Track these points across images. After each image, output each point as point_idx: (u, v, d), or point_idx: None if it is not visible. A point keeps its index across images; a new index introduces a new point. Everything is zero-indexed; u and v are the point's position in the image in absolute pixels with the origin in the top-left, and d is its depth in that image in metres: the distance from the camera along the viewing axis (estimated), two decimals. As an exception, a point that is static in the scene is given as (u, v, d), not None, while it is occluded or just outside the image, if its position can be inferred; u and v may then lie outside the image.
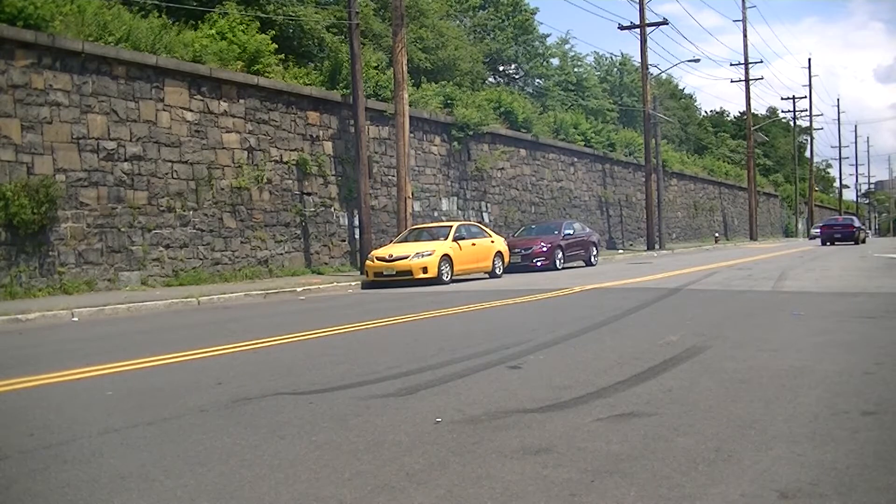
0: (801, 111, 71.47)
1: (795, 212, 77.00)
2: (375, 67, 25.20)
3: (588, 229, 27.72)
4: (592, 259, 26.13)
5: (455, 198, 28.18)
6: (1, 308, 12.46)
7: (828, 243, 39.68)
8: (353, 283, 18.62)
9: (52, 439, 4.62)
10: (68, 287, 15.56)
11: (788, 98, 68.88)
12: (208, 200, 18.94)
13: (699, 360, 6.64)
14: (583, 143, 37.88)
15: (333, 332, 9.42)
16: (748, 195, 57.94)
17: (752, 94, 57.21)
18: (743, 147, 65.39)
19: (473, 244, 20.52)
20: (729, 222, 60.83)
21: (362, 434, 4.52)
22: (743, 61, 54.01)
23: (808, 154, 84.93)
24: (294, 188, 21.51)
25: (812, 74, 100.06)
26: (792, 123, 74.61)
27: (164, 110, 18.06)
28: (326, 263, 22.29)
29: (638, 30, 38.41)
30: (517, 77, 50.58)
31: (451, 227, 20.72)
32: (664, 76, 59.03)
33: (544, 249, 23.51)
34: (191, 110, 18.73)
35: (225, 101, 19.62)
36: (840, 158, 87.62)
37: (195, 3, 22.17)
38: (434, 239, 20.11)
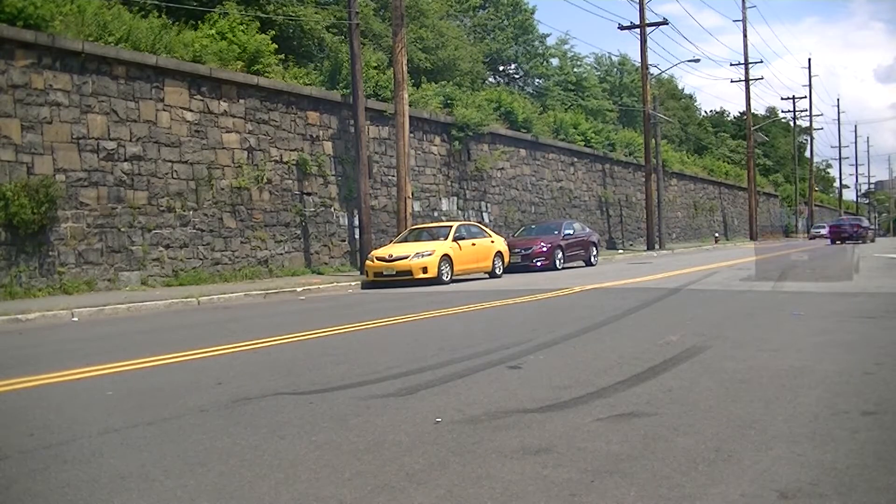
0: (801, 111, 71.50)
1: (795, 212, 76.98)
2: (375, 67, 25.19)
3: (588, 229, 27.72)
4: (592, 259, 26.12)
5: (455, 198, 28.18)
6: (1, 308, 12.46)
7: (837, 242, 43.93)
8: (353, 283, 18.61)
9: (52, 439, 4.62)
10: (68, 287, 15.56)
11: (788, 98, 68.93)
12: (208, 200, 18.94)
13: (699, 360, 6.64)
14: (583, 143, 37.88)
15: (333, 332, 9.42)
16: (748, 195, 57.94)
17: (752, 94, 57.26)
18: (743, 147, 65.39)
19: (473, 244, 20.52)
20: (729, 222, 60.83)
21: (362, 434, 4.52)
22: (743, 61, 54.02)
23: (808, 154, 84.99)
24: (294, 188, 21.51)
25: (812, 74, 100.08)
26: (792, 123, 74.61)
27: (164, 110, 18.06)
28: (326, 263, 22.29)
29: (638, 30, 38.41)
30: (517, 77, 50.60)
31: (451, 227, 20.72)
32: (664, 76, 59.05)
33: (544, 249, 23.50)
34: (191, 110, 18.73)
35: (225, 101, 19.62)
36: (840, 158, 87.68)
37: (195, 3, 22.17)
38: (434, 239, 20.11)
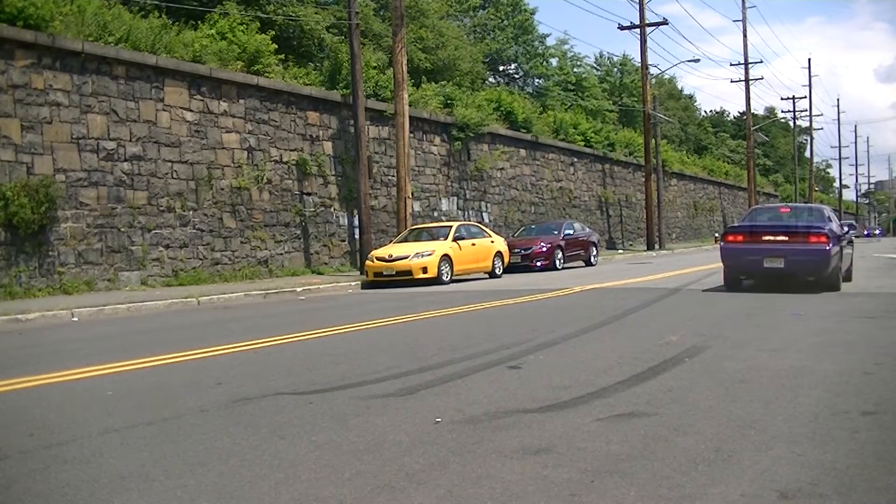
0: (801, 111, 71.46)
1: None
2: (375, 67, 25.19)
3: (588, 229, 27.72)
4: (592, 259, 26.13)
5: (455, 198, 28.18)
6: (1, 308, 12.46)
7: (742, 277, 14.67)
8: (352, 283, 18.61)
9: (52, 439, 4.62)
10: (68, 287, 15.55)
11: (788, 98, 68.81)
12: (208, 200, 18.94)
13: (699, 360, 6.64)
14: (583, 143, 37.87)
15: (333, 332, 9.42)
16: (748, 195, 57.90)
17: (752, 94, 57.27)
18: (743, 147, 65.38)
19: (473, 244, 20.52)
20: (729, 222, 60.75)
21: (362, 434, 4.52)
22: (743, 61, 54.01)
23: (808, 154, 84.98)
24: (294, 188, 21.50)
25: (812, 74, 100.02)
26: (792, 123, 74.60)
27: (163, 110, 18.06)
28: (326, 263, 22.29)
29: (638, 30, 38.41)
30: (517, 77, 50.61)
31: (451, 227, 20.72)
32: (664, 76, 59.07)
33: (544, 249, 23.51)
34: (191, 110, 18.73)
35: (225, 101, 19.62)
36: (840, 158, 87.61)
37: (195, 3, 22.17)
38: (434, 239, 20.11)
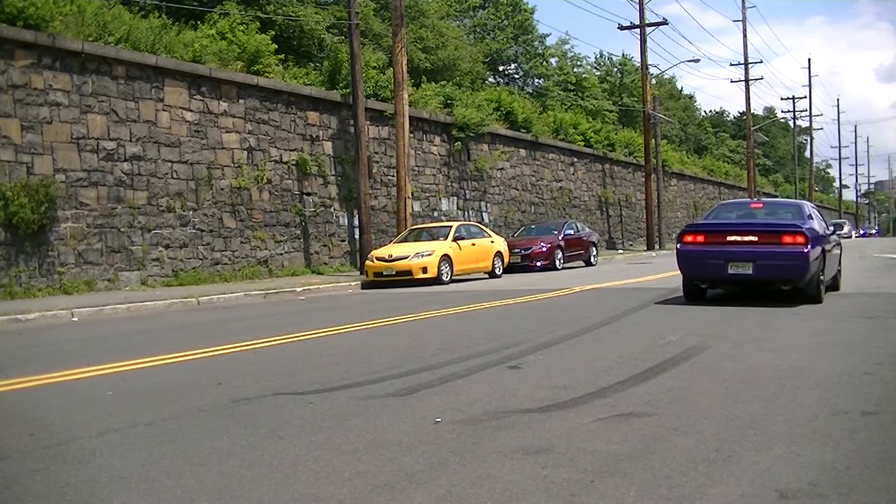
0: (801, 111, 71.48)
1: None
2: (375, 67, 25.19)
3: (588, 229, 27.73)
4: (592, 259, 26.13)
5: (455, 198, 28.18)
6: (1, 308, 12.46)
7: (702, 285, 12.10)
8: (352, 283, 18.61)
9: (52, 439, 4.62)
10: (68, 287, 15.55)
11: (788, 98, 68.84)
12: (208, 200, 18.94)
13: (699, 360, 6.64)
14: (582, 143, 37.88)
15: (333, 332, 9.42)
16: (748, 195, 57.89)
17: (752, 94, 57.30)
18: (743, 147, 65.40)
19: (473, 244, 20.52)
20: (729, 222, 60.71)
21: (362, 434, 4.52)
22: (743, 61, 54.02)
23: (807, 154, 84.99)
24: (294, 188, 21.50)
25: (812, 74, 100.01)
26: (792, 123, 74.61)
27: (163, 110, 18.06)
28: (326, 263, 22.29)
29: (638, 30, 38.41)
30: (517, 77, 50.62)
31: (451, 227, 20.72)
32: (664, 76, 59.07)
33: (544, 250, 23.51)
34: (190, 110, 18.73)
35: (225, 101, 19.62)
36: (840, 158, 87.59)
37: (195, 3, 22.17)
38: (434, 239, 20.12)
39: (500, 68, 49.41)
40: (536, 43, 49.43)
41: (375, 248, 20.66)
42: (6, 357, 8.39)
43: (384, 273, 18.70)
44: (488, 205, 30.10)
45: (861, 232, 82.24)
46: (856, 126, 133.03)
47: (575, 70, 53.05)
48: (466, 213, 28.51)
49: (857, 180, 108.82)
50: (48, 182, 15.38)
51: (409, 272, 18.46)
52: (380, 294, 16.62)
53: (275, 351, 8.02)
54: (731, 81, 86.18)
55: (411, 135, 23.82)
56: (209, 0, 24.03)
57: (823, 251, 10.90)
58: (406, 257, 18.69)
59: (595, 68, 59.86)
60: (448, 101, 28.04)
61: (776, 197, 73.20)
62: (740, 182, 61.65)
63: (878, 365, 6.25)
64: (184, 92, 18.55)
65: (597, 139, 39.38)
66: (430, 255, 18.79)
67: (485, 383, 5.91)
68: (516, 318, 10.86)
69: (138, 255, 17.20)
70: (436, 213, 26.85)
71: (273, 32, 23.35)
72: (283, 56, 22.99)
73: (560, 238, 24.42)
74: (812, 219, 11.44)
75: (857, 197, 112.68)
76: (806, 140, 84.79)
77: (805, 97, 73.88)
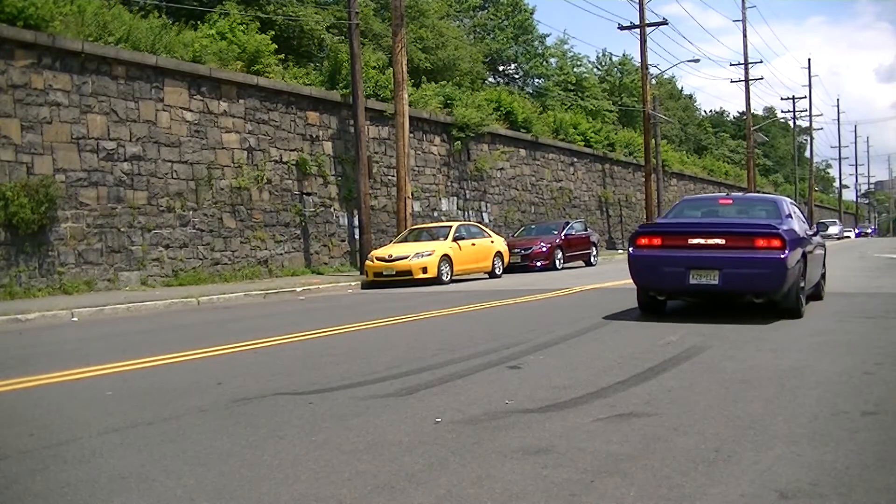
0: (801, 111, 71.46)
1: (797, 212, 76.99)
2: (375, 67, 25.20)
3: (588, 229, 27.73)
4: (592, 259, 26.13)
5: (455, 198, 28.18)
6: (1, 308, 12.46)
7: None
8: (352, 283, 18.61)
9: (52, 439, 4.62)
10: (68, 287, 15.55)
11: (788, 98, 68.83)
12: (208, 200, 18.94)
13: (699, 360, 6.64)
14: (582, 143, 37.89)
15: (333, 332, 9.42)
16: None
17: (752, 94, 57.29)
18: (743, 147, 65.40)
19: (473, 244, 20.52)
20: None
21: (362, 434, 4.52)
22: (743, 61, 54.02)
23: (807, 154, 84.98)
24: (294, 188, 21.50)
25: (812, 74, 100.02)
26: (792, 123, 74.62)
27: (163, 110, 18.06)
28: (326, 263, 22.29)
29: (638, 30, 38.40)
30: (517, 77, 50.62)
31: (451, 227, 20.73)
32: (664, 76, 59.06)
33: (544, 250, 23.51)
34: (190, 110, 18.73)
35: (225, 101, 19.62)
36: (840, 158, 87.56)
37: (195, 3, 22.17)
38: (434, 239, 20.12)
39: (500, 68, 49.41)
40: (536, 43, 49.42)
41: (375, 248, 20.66)
42: (6, 357, 8.39)
43: (384, 273, 18.70)
44: (488, 205, 30.10)
45: (856, 231, 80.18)
46: (856, 126, 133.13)
47: (575, 70, 53.04)
48: (466, 213, 28.51)
49: (857, 180, 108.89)
50: (48, 182, 15.38)
51: (409, 272, 18.46)
52: (380, 294, 16.62)
53: (275, 351, 8.02)
54: (731, 81, 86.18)
55: (411, 135, 23.82)
56: (209, 0, 24.02)
57: (804, 255, 9.42)
58: (406, 257, 18.69)
59: (596, 67, 59.86)
60: (448, 101, 28.04)
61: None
62: (740, 182, 61.64)
63: (878, 365, 6.25)
64: (184, 92, 18.55)
65: (597, 139, 39.38)
66: (430, 255, 18.79)
67: (485, 383, 5.91)
68: (516, 318, 10.86)
69: (138, 255, 17.20)
70: (436, 213, 26.85)
71: (273, 32, 23.35)
72: (283, 56, 22.99)
73: (560, 238, 24.42)
74: (791, 218, 9.92)
75: (857, 197, 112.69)
76: (806, 140, 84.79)
77: (805, 97, 73.87)
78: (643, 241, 9.48)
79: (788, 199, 10.90)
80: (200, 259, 18.67)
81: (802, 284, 9.36)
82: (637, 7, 38.18)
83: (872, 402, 5.03)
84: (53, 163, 15.72)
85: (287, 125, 21.42)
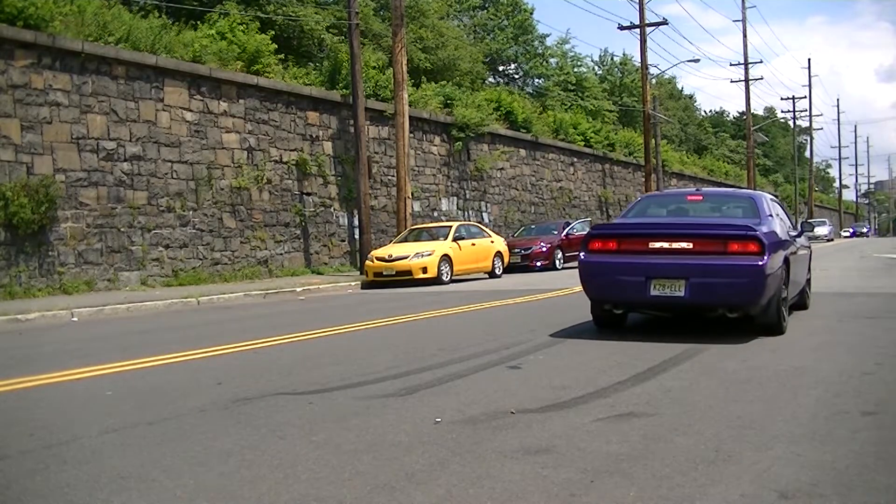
0: (801, 111, 71.46)
1: (795, 212, 77.05)
2: (375, 67, 25.20)
3: (588, 229, 27.67)
4: (592, 259, 26.05)
5: (455, 198, 28.18)
6: (1, 308, 12.45)
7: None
8: (352, 283, 18.61)
9: (52, 439, 4.61)
10: (68, 287, 15.55)
11: (788, 98, 68.83)
12: (208, 200, 18.94)
13: (699, 360, 6.64)
14: (582, 143, 37.89)
15: (333, 332, 9.42)
16: (748, 195, 57.76)
17: (752, 94, 57.31)
18: (743, 147, 65.39)
19: (473, 244, 20.53)
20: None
21: (362, 434, 4.52)
22: (743, 61, 54.02)
23: (808, 154, 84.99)
24: (294, 188, 21.50)
25: (812, 74, 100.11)
26: (792, 123, 74.63)
27: (163, 110, 18.05)
28: (326, 263, 22.29)
29: (638, 30, 38.39)
30: (517, 77, 50.61)
31: (451, 227, 20.73)
32: (664, 76, 59.07)
33: (544, 250, 23.51)
34: (190, 110, 18.73)
35: (225, 101, 19.62)
36: (840, 158, 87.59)
37: (195, 3, 22.17)
38: (434, 239, 20.12)
39: (500, 68, 49.40)
40: (536, 43, 49.41)
41: (375, 248, 20.66)
42: (6, 357, 8.39)
43: (384, 273, 18.70)
44: (488, 205, 30.10)
45: (850, 231, 76.13)
46: (856, 126, 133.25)
47: (575, 70, 53.04)
48: (466, 213, 28.51)
49: (857, 180, 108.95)
50: (48, 182, 15.38)
51: (409, 272, 18.46)
52: (380, 294, 16.62)
53: (275, 351, 8.02)
54: (731, 81, 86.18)
55: (411, 135, 23.82)
56: (209, 0, 24.02)
57: (786, 261, 8.17)
58: (406, 257, 18.69)
59: (597, 66, 59.88)
60: (448, 101, 28.04)
61: (776, 198, 73.10)
62: (740, 182, 61.64)
63: (878, 365, 6.25)
64: (184, 92, 18.54)
65: (597, 139, 39.39)
66: (430, 255, 18.79)
67: (485, 383, 5.91)
68: (516, 318, 10.86)
69: (138, 255, 17.20)
70: (436, 213, 26.85)
71: (273, 32, 23.34)
72: (283, 56, 22.99)
73: (560, 238, 24.42)
74: (771, 217, 8.63)
75: (857, 197, 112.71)
76: (806, 140, 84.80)
77: (805, 97, 73.89)
78: (596, 244, 8.31)
79: (769, 195, 9.65)
80: (200, 259, 18.67)
81: (784, 294, 8.11)
82: (637, 7, 38.17)
83: (872, 402, 5.03)
84: (53, 163, 15.72)
85: (287, 125, 21.42)
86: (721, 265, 7.45)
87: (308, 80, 23.09)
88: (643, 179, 40.32)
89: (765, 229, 7.75)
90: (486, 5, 47.70)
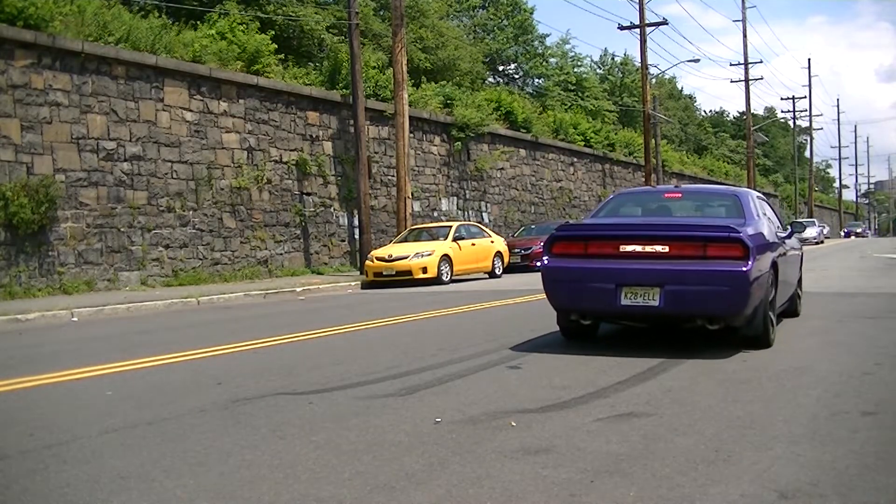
0: (801, 111, 71.46)
1: (795, 212, 77.05)
2: (375, 67, 25.20)
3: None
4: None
5: (455, 198, 28.18)
6: (1, 308, 12.45)
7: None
8: (352, 283, 18.61)
9: (52, 439, 4.61)
10: (68, 287, 15.55)
11: (788, 98, 68.84)
12: (208, 200, 18.94)
13: (699, 360, 6.64)
14: (583, 143, 37.89)
15: (333, 332, 9.42)
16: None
17: (752, 94, 57.32)
18: (743, 147, 65.38)
19: (473, 244, 20.53)
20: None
21: (362, 434, 4.52)
22: (743, 61, 54.02)
23: (807, 154, 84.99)
24: (294, 188, 21.50)
25: (812, 74, 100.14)
26: (792, 123, 74.62)
27: (163, 110, 18.05)
28: (326, 263, 22.29)
29: (638, 30, 38.38)
30: (517, 77, 50.62)
31: (451, 227, 20.73)
32: (665, 76, 59.08)
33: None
34: (190, 110, 18.73)
35: (224, 101, 19.62)
36: (840, 158, 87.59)
37: (195, 3, 22.17)
38: (434, 239, 20.13)
39: (500, 68, 49.41)
40: (536, 43, 49.42)
41: (375, 248, 20.66)
42: (6, 357, 8.39)
43: (384, 273, 18.70)
44: (488, 205, 30.10)
45: (844, 231, 73.73)
46: (856, 126, 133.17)
47: (575, 70, 53.05)
48: (466, 213, 28.51)
49: (857, 180, 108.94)
50: (48, 182, 15.38)
51: (409, 272, 18.46)
52: (380, 294, 16.62)
53: (275, 351, 8.02)
54: (731, 81, 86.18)
55: (411, 135, 23.82)
56: (209, 0, 24.02)
57: (774, 265, 7.43)
58: (406, 257, 18.69)
59: (598, 66, 59.88)
60: (448, 101, 28.04)
61: (777, 197, 72.97)
62: (740, 182, 61.63)
63: (878, 365, 6.25)
64: (184, 92, 18.54)
65: (597, 139, 39.38)
66: (430, 255, 18.80)
67: (485, 383, 5.91)
68: (516, 317, 10.86)
69: (138, 255, 17.20)
70: (436, 213, 26.85)
71: (273, 32, 23.35)
72: (283, 56, 22.99)
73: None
74: (757, 217, 7.81)
75: (857, 197, 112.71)
76: (806, 140, 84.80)
77: (805, 97, 73.91)
78: (560, 248, 7.42)
79: (755, 193, 8.87)
80: (200, 259, 18.67)
81: (772, 303, 7.35)
82: (637, 7, 38.17)
83: (872, 402, 5.03)
84: (53, 163, 15.72)
85: (287, 125, 21.42)
86: (700, 271, 6.71)
87: (308, 80, 23.09)
88: (643, 179, 40.32)
89: (750, 230, 7.00)
90: (486, 5, 47.70)
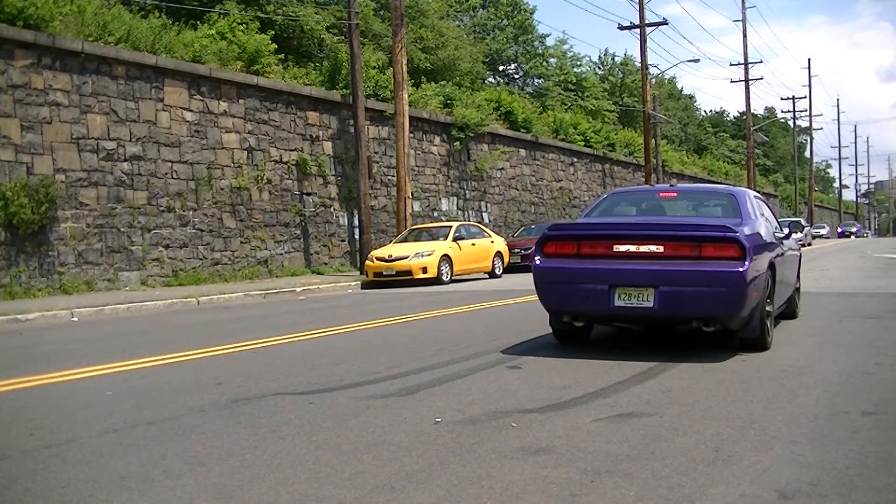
0: (801, 111, 71.46)
1: (795, 212, 77.06)
2: (375, 67, 25.20)
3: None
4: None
5: (455, 198, 28.18)
6: (1, 308, 12.46)
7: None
8: (352, 283, 18.61)
9: (52, 439, 4.61)
10: (68, 287, 15.55)
11: (788, 98, 68.85)
12: (208, 200, 18.94)
13: (699, 360, 6.63)
14: (583, 143, 37.90)
15: (333, 332, 9.42)
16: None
17: (752, 94, 57.32)
18: (743, 147, 65.40)
19: (473, 244, 20.53)
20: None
21: (362, 434, 4.52)
22: (743, 61, 54.02)
23: (808, 154, 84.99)
24: (294, 188, 21.50)
25: (812, 74, 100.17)
26: (792, 123, 74.62)
27: (163, 110, 18.06)
28: (326, 263, 22.29)
29: (638, 30, 38.38)
30: (517, 77, 50.63)
31: (451, 227, 20.73)
32: (665, 76, 59.08)
33: (544, 249, 23.46)
34: (190, 110, 18.73)
35: (224, 101, 19.62)
36: (840, 158, 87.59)
37: (195, 3, 22.17)
38: (434, 239, 20.13)
39: (500, 68, 49.44)
40: (536, 43, 49.44)
41: (375, 248, 20.66)
42: (6, 357, 8.39)
43: (384, 273, 18.70)
44: (488, 205, 30.10)
45: (839, 231, 71.92)
46: (856, 126, 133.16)
47: (575, 70, 53.06)
48: (466, 213, 28.51)
49: (857, 180, 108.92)
50: (48, 182, 15.38)
51: (409, 272, 18.46)
52: (380, 294, 16.62)
53: (275, 351, 8.02)
54: (731, 81, 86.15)
55: (411, 135, 23.82)
56: (209, 0, 24.02)
57: (772, 266, 7.33)
58: (406, 257, 18.69)
59: (598, 66, 59.88)
60: (448, 101, 28.05)
61: (777, 197, 72.99)
62: (740, 182, 61.64)
63: (878, 365, 6.25)
64: (184, 92, 18.54)
65: (597, 139, 39.39)
66: (430, 255, 18.80)
67: (485, 383, 5.91)
68: (516, 317, 10.85)
69: (138, 255, 17.20)
70: (436, 213, 26.85)
71: (273, 32, 23.35)
72: (283, 56, 22.99)
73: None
74: (754, 217, 7.68)
75: (857, 197, 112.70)
76: (806, 140, 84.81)
77: (805, 97, 73.95)
78: (552, 248, 7.24)
79: (752, 192, 8.72)
80: (200, 259, 18.67)
81: (769, 306, 7.19)
82: (637, 7, 38.17)
83: (872, 402, 5.03)
84: (53, 163, 15.72)
85: (287, 125, 21.42)
86: (695, 271, 6.56)
87: (308, 80, 23.09)
88: (643, 179, 40.31)
89: (746, 230, 6.82)
90: (486, 5, 47.71)
